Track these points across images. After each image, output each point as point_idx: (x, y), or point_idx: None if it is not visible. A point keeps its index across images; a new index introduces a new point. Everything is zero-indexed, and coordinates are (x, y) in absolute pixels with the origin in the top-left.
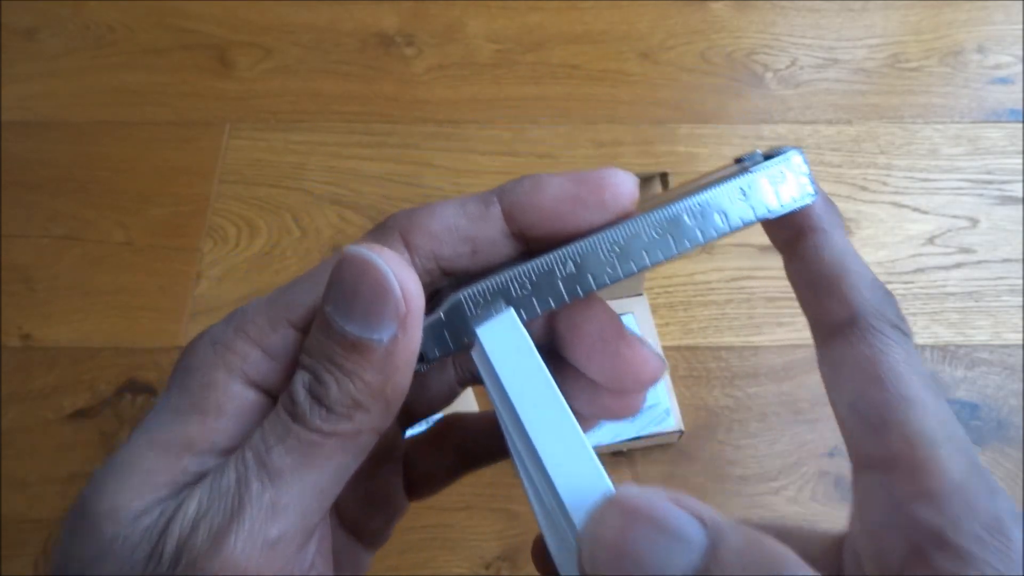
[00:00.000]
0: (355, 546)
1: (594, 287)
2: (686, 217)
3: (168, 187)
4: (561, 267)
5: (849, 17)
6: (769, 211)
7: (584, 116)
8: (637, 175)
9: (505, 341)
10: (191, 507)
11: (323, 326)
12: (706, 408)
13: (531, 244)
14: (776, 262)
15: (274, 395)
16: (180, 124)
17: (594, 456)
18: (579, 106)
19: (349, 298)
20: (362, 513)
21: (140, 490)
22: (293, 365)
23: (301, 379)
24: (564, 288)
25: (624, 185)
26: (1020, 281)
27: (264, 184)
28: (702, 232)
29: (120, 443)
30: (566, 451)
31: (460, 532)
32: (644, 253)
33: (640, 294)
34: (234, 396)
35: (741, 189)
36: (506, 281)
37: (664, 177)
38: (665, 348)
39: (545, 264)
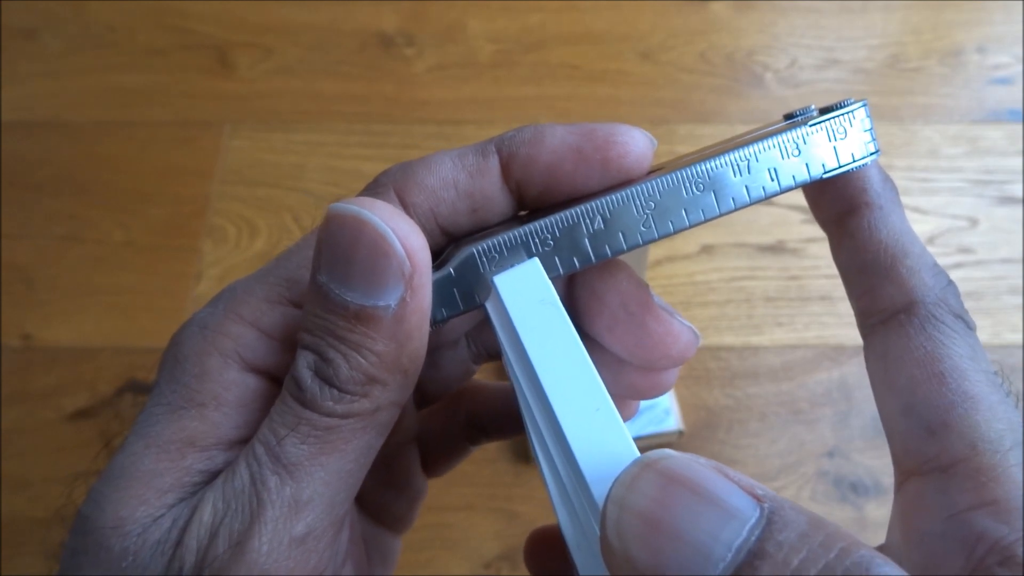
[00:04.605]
0: (382, 532)
1: (624, 247)
2: (732, 173)
3: (168, 187)
4: (589, 222)
5: (849, 17)
6: (825, 170)
7: (584, 116)
8: None
9: (526, 291)
10: (206, 513)
11: (319, 298)
12: (706, 408)
13: (528, 202)
14: (775, 262)
15: (277, 378)
16: (180, 124)
17: (623, 425)
18: (579, 106)
19: (345, 263)
20: (383, 497)
21: (145, 497)
22: (295, 344)
23: (304, 360)
24: (591, 246)
25: (634, 144)
26: (1020, 281)
27: (264, 184)
28: (748, 190)
29: (116, 448)
30: (589, 416)
31: (460, 532)
32: (683, 212)
33: None
34: (233, 384)
35: (795, 143)
36: (525, 235)
37: None
38: None
39: (571, 218)
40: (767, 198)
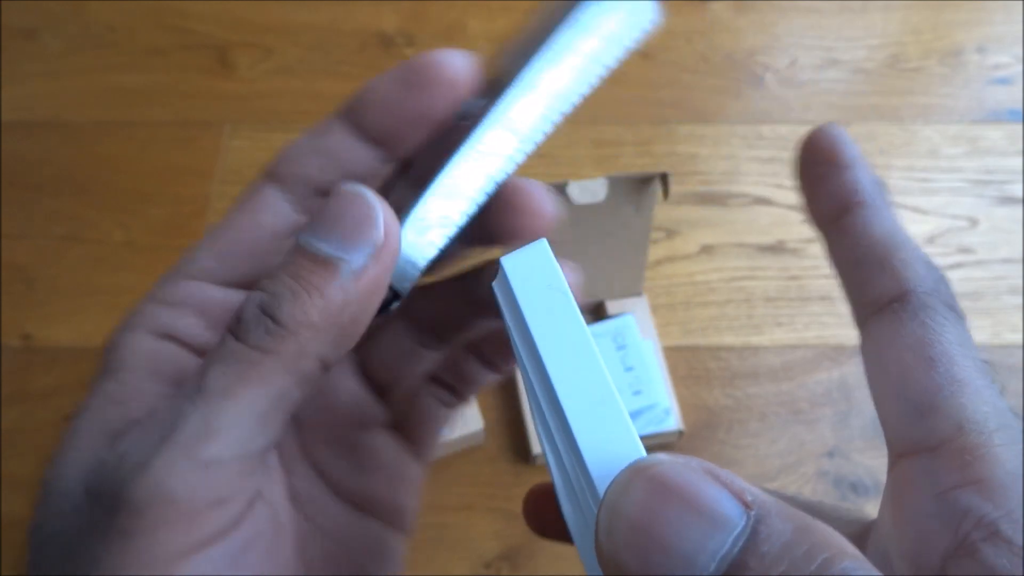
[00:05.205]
0: (377, 528)
1: (515, 165)
2: (552, 71)
3: (168, 187)
4: (476, 156)
5: (849, 17)
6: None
7: (584, 116)
8: (637, 175)
9: (534, 275)
10: (125, 442)
11: (295, 250)
12: (706, 408)
13: (399, 150)
14: (775, 262)
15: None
16: (180, 124)
17: (627, 417)
18: (579, 106)
19: (330, 223)
20: (359, 482)
21: (83, 447)
22: (221, 320)
23: (252, 298)
24: (485, 183)
25: (450, 61)
26: (1020, 281)
27: None
28: (579, 83)
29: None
30: (595, 409)
31: (460, 532)
32: (544, 117)
33: (640, 294)
34: (148, 353)
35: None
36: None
37: (664, 178)
38: (665, 348)
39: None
40: (602, 77)
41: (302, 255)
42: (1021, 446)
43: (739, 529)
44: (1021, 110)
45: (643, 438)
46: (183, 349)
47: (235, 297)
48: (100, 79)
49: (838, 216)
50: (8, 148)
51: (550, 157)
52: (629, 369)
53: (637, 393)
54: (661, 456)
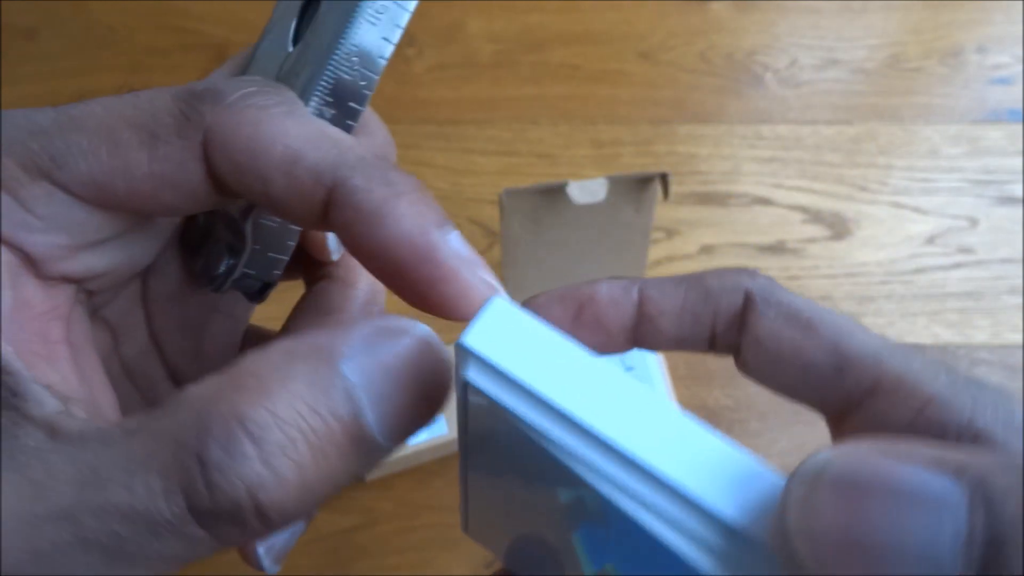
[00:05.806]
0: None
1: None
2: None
3: None
4: None
5: (849, 17)
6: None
7: (584, 116)
8: (637, 175)
9: (511, 340)
10: None
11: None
12: (706, 408)
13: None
14: (775, 262)
15: (28, 254)
16: None
17: (720, 440)
18: (579, 106)
19: (400, 393)
20: (198, 371)
21: None
22: (58, 228)
23: (240, 465)
24: None
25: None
26: (1020, 281)
27: None
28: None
29: None
30: (689, 451)
31: (460, 532)
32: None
33: None
34: None
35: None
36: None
37: (664, 178)
38: None
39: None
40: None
41: (333, 414)
42: (922, 356)
43: (963, 505)
44: (1021, 110)
45: None
46: (24, 267)
47: (102, 223)
48: (100, 79)
49: (639, 324)
50: None
51: (550, 157)
52: (629, 369)
53: None
54: (826, 454)
